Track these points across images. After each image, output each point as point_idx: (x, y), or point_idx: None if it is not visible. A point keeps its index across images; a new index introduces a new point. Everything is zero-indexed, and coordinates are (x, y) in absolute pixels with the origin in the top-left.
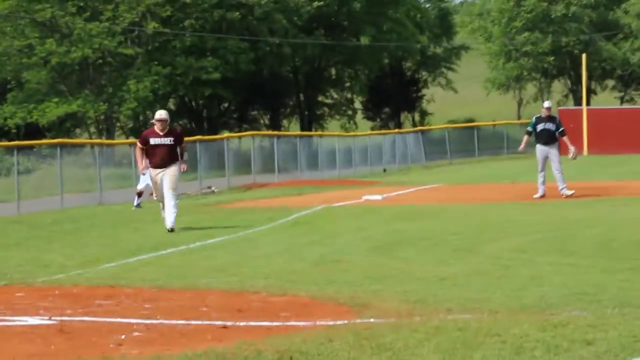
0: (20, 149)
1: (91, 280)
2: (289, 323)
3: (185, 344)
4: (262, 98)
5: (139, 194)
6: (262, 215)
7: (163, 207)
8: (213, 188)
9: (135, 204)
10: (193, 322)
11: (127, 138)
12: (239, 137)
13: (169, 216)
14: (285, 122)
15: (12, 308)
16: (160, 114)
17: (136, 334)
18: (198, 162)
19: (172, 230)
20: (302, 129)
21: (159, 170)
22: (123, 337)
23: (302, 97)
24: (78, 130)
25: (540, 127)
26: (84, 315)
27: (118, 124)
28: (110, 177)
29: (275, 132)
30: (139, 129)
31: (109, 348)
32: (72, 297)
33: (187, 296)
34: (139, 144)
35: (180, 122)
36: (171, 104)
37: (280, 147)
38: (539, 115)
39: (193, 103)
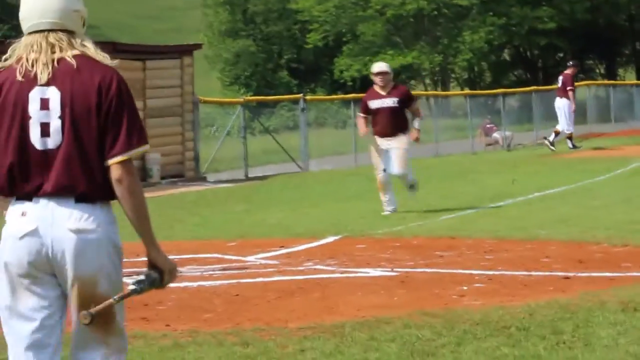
0: (356, 101)
1: (431, 231)
2: (631, 274)
3: (527, 294)
4: (597, 47)
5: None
6: (600, 165)
7: (384, 190)
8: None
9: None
10: (534, 272)
11: (462, 89)
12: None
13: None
14: (621, 72)
15: (354, 260)
16: (380, 65)
17: (478, 284)
18: (532, 112)
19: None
20: (639, 78)
21: (383, 139)
22: (465, 288)
23: (638, 45)
24: (413, 82)
25: None
26: (425, 266)
27: (453, 75)
28: (446, 128)
29: (611, 82)
30: (474, 80)
31: (452, 299)
32: (413, 249)
33: (528, 247)
34: (360, 114)
35: (515, 73)
36: (506, 55)
37: (616, 96)
38: None
39: (528, 53)
